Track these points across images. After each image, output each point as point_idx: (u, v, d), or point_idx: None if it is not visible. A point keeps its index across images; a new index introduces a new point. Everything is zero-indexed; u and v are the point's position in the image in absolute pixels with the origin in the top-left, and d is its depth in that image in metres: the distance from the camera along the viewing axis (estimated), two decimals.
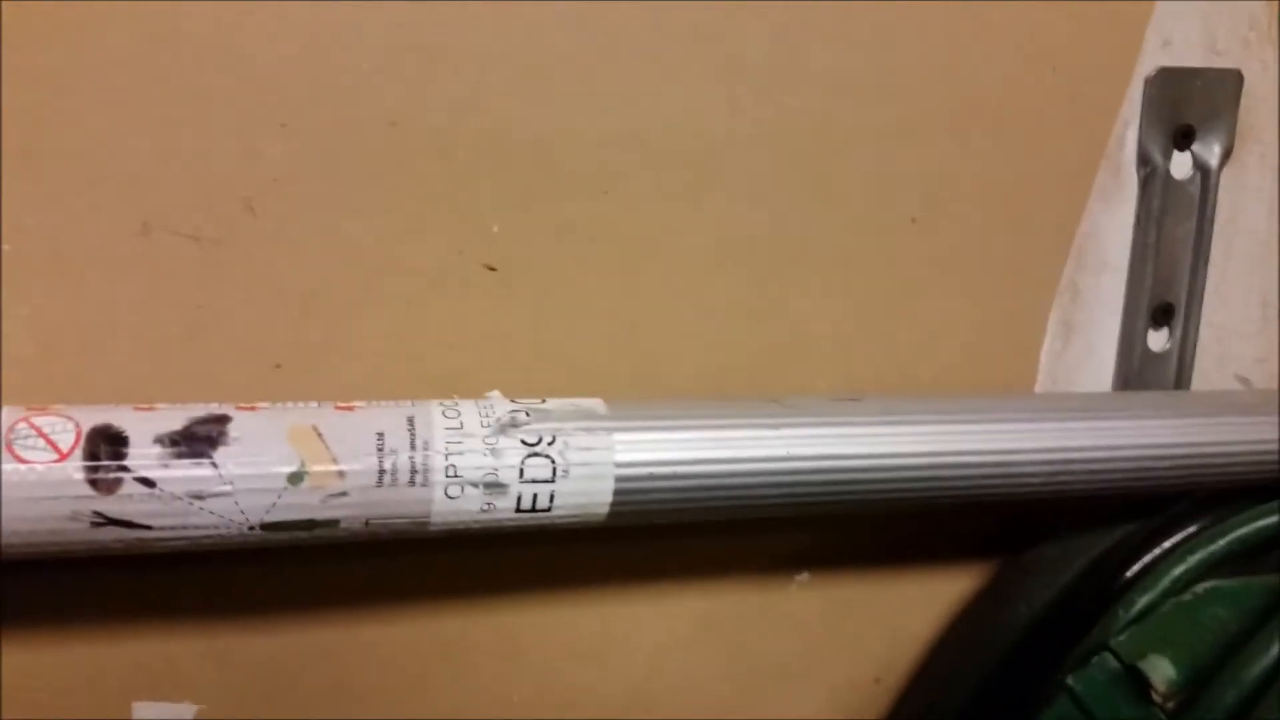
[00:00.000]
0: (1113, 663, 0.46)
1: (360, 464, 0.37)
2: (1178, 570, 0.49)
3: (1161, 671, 0.44)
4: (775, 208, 0.49)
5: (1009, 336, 0.54)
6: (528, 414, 0.40)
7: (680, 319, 0.49)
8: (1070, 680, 0.46)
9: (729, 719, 0.55)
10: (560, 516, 0.40)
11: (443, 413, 0.39)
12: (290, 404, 0.38)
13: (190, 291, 0.42)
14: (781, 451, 0.42)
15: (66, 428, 0.35)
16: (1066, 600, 0.52)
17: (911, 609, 0.57)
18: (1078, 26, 0.51)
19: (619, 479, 0.40)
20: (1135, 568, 0.51)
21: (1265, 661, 0.43)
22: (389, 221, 0.44)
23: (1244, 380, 0.59)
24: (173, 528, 0.35)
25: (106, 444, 0.35)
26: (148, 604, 0.45)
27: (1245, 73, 0.54)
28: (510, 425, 0.39)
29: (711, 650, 0.54)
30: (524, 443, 0.39)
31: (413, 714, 0.49)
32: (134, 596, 0.45)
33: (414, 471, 0.37)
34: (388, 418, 0.38)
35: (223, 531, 0.36)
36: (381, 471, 0.37)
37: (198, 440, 0.35)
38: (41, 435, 0.34)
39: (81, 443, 0.34)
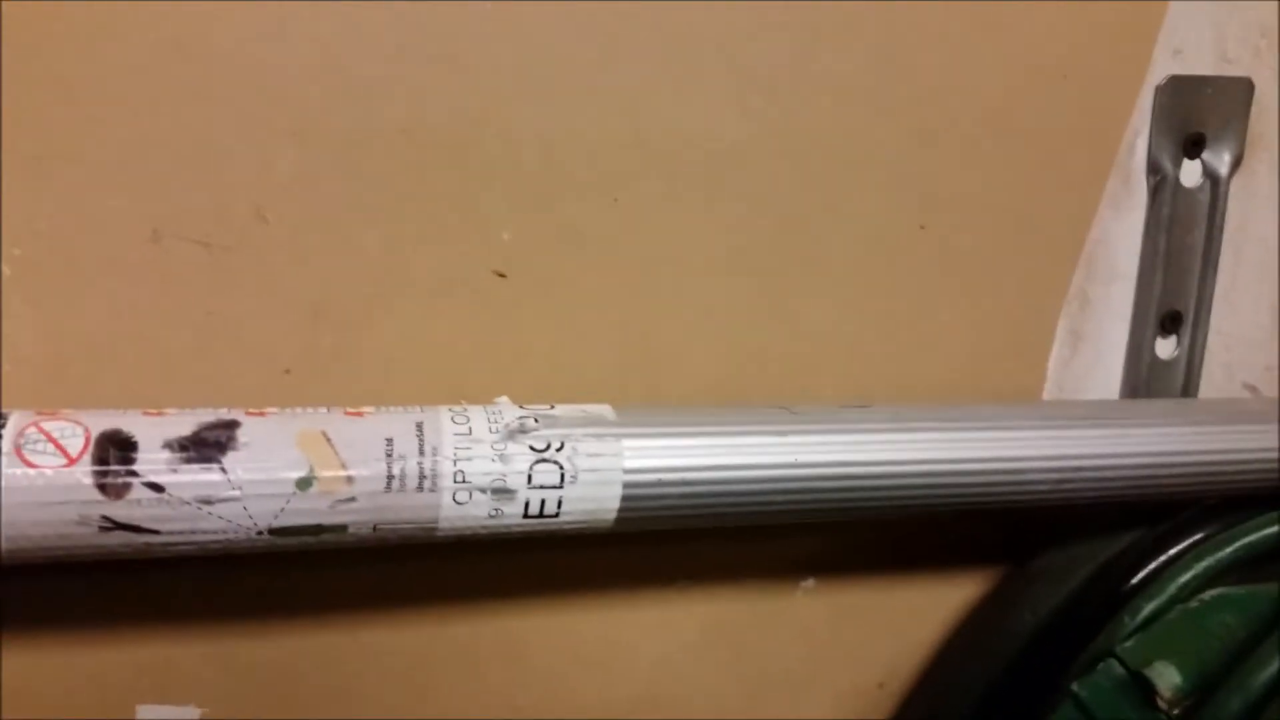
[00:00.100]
0: (1118, 669, 0.46)
1: (369, 469, 0.37)
2: (1184, 577, 0.49)
3: (1167, 678, 0.44)
4: (785, 214, 0.49)
5: (1017, 343, 0.54)
6: (536, 420, 0.40)
7: (689, 325, 0.49)
8: (1076, 687, 0.46)
9: None
10: (568, 522, 0.40)
11: (451, 418, 0.39)
12: (299, 409, 0.38)
13: (200, 297, 0.42)
14: (790, 458, 0.42)
15: (76, 432, 0.35)
16: (1072, 607, 0.52)
17: (916, 615, 0.57)
18: (1088, 34, 0.51)
19: (627, 485, 0.40)
20: (1141, 575, 0.50)
21: (1271, 669, 0.43)
22: (399, 228, 0.44)
23: (1252, 388, 0.58)
24: (181, 533, 0.35)
25: (115, 449, 0.35)
26: (152, 607, 0.45)
27: (1256, 81, 0.54)
28: (519, 431, 0.39)
29: (717, 656, 0.54)
30: (532, 449, 0.39)
31: (418, 719, 0.49)
32: (139, 600, 0.45)
33: (422, 477, 0.37)
34: (397, 423, 0.38)
35: (231, 536, 0.36)
36: (390, 477, 0.37)
37: (207, 445, 0.35)
38: (51, 440, 0.34)
39: (90, 447, 0.34)
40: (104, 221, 0.41)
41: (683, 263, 0.48)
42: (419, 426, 0.38)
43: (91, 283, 0.41)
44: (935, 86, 0.49)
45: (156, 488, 0.35)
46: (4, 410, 0.35)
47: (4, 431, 0.34)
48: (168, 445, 0.35)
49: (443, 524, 0.38)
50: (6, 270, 0.40)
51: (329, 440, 0.37)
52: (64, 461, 0.34)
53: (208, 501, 0.35)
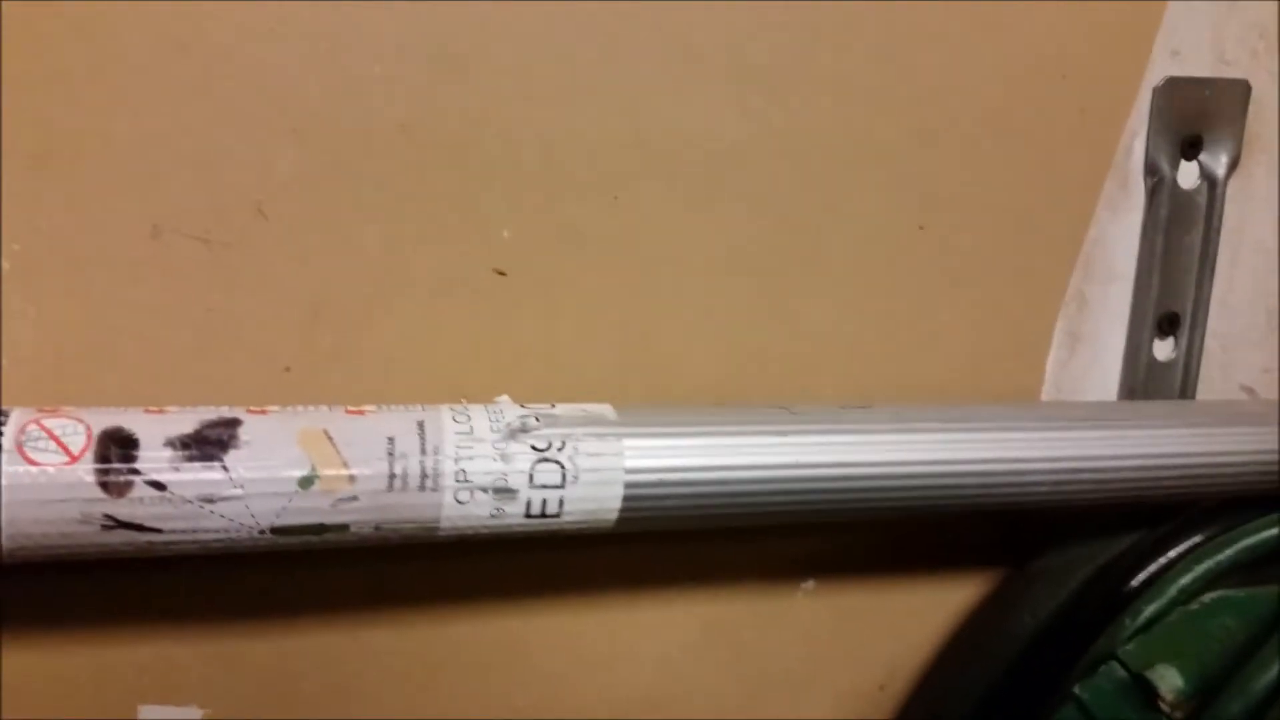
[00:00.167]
0: (1120, 672, 0.46)
1: (371, 468, 0.37)
2: (1184, 580, 0.49)
3: (1169, 681, 0.44)
4: (784, 214, 0.49)
5: (1016, 344, 0.55)
6: (537, 419, 0.40)
7: (689, 325, 0.49)
8: (1077, 689, 0.46)
9: None
10: (569, 522, 0.40)
11: (453, 417, 0.39)
12: (301, 408, 0.38)
13: (201, 295, 0.42)
14: (790, 459, 0.42)
15: (77, 430, 0.35)
16: (1071, 609, 0.52)
17: (916, 617, 0.57)
18: (1087, 35, 0.51)
19: (628, 485, 0.40)
20: (1141, 577, 0.50)
21: (1272, 672, 0.43)
22: (399, 227, 0.44)
23: (1249, 390, 0.59)
24: (183, 531, 0.35)
25: (117, 446, 0.34)
26: (154, 607, 0.45)
27: (1253, 83, 0.54)
28: (520, 430, 0.39)
29: (717, 657, 0.54)
30: (534, 448, 0.39)
31: (419, 719, 0.49)
32: (140, 599, 0.45)
33: (424, 476, 0.37)
34: (398, 422, 0.38)
35: (233, 535, 0.36)
36: (392, 476, 0.37)
37: (208, 443, 0.35)
38: (52, 437, 0.34)
39: (92, 445, 0.34)
40: (104, 218, 0.41)
41: (683, 262, 0.48)
42: (420, 425, 0.38)
43: (91, 279, 0.41)
44: (935, 87, 0.50)
45: (158, 486, 0.34)
46: (6, 407, 0.35)
47: (5, 429, 0.34)
48: (169, 443, 0.35)
49: (444, 523, 0.38)
50: (6, 266, 0.40)
51: (331, 439, 0.37)
52: (66, 459, 0.34)
53: (210, 500, 0.35)
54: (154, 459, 0.35)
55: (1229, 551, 0.49)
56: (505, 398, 0.42)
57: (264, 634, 0.46)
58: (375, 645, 0.48)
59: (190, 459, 0.35)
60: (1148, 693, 0.44)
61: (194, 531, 0.35)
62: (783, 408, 0.44)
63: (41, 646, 0.44)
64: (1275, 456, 0.49)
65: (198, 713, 0.46)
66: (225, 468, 0.35)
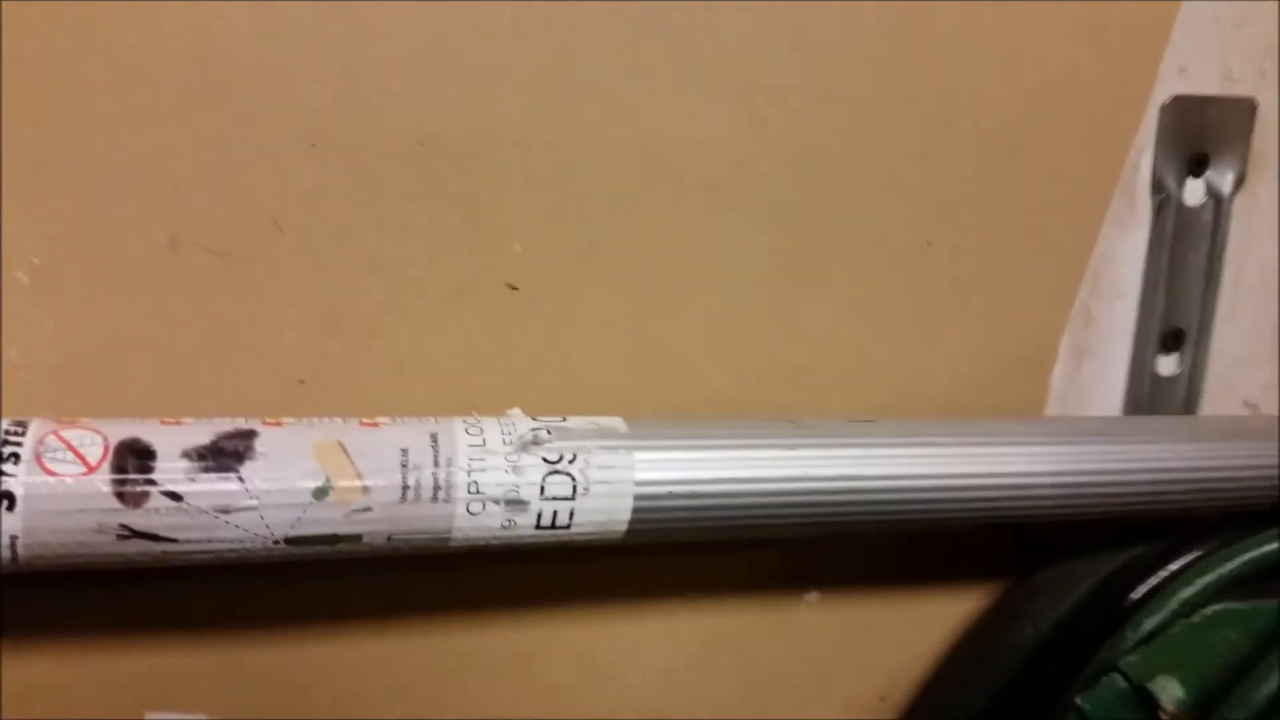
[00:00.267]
0: (1122, 683, 0.46)
1: (384, 479, 0.37)
2: (1186, 592, 0.49)
3: (1170, 692, 0.44)
4: (793, 228, 0.49)
5: (1022, 359, 0.55)
6: (549, 432, 0.40)
7: (699, 337, 0.49)
8: (1079, 700, 0.46)
9: None
10: (580, 534, 0.40)
11: (466, 429, 0.39)
12: (316, 419, 0.38)
13: (216, 306, 0.43)
14: (798, 472, 0.43)
15: (95, 441, 0.35)
16: (1073, 621, 0.52)
17: (919, 628, 0.57)
18: (1094, 53, 0.51)
19: (638, 497, 0.40)
20: (1142, 589, 0.51)
21: (1273, 685, 0.43)
22: (414, 240, 0.44)
23: (1252, 405, 0.59)
24: (198, 541, 0.36)
25: (134, 457, 0.35)
26: (163, 614, 0.45)
27: (1260, 101, 0.54)
28: (532, 443, 0.39)
29: (721, 667, 0.54)
30: (545, 460, 0.39)
31: None
32: (150, 607, 0.45)
33: (437, 488, 0.37)
34: (412, 434, 0.38)
35: (247, 545, 0.36)
36: (405, 487, 0.37)
37: (225, 455, 0.36)
38: (70, 448, 0.34)
39: (109, 456, 0.35)
40: (121, 230, 0.41)
41: (693, 275, 0.48)
42: (434, 437, 0.38)
43: (109, 291, 0.41)
44: (943, 103, 0.50)
45: (175, 496, 0.35)
46: (24, 419, 0.35)
47: (25, 440, 0.34)
48: (186, 454, 0.35)
49: (456, 534, 0.38)
50: (25, 279, 0.40)
51: (345, 450, 0.37)
52: (83, 470, 0.34)
53: (225, 510, 0.35)
54: (170, 470, 0.35)
55: (1231, 565, 0.49)
56: (517, 410, 0.42)
57: (270, 642, 0.46)
58: (385, 655, 0.48)
59: (206, 470, 0.35)
60: (1149, 704, 0.45)
61: (209, 541, 0.36)
62: (790, 421, 0.45)
63: (52, 652, 0.44)
64: (1277, 471, 0.50)
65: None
66: (241, 479, 0.35)
